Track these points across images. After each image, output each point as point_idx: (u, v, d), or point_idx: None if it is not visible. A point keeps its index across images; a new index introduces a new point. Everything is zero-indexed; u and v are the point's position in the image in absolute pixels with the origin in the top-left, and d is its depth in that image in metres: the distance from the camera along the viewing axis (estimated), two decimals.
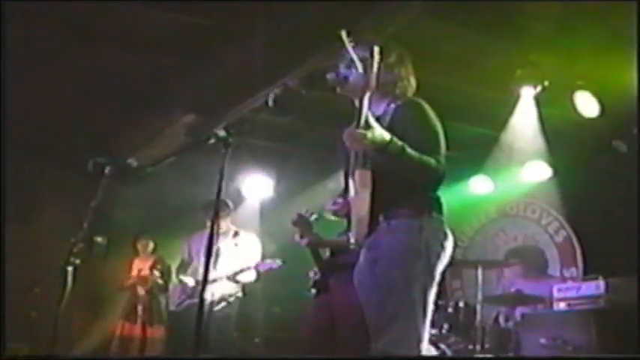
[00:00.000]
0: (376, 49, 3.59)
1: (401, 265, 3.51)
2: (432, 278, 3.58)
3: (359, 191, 3.66)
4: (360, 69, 3.62)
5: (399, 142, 3.49)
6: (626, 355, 5.36)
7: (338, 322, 4.81)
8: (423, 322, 3.48)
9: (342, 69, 3.83)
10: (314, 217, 5.21)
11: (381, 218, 3.62)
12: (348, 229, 4.18)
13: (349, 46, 3.60)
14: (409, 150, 3.49)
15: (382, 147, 3.46)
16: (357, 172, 3.67)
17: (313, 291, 5.19)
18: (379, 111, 3.83)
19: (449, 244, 3.69)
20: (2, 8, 5.97)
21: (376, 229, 3.62)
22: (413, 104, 3.78)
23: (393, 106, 3.81)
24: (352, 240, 3.75)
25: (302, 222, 5.18)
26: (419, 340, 3.44)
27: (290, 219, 5.30)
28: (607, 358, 5.66)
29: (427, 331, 3.51)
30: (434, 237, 3.61)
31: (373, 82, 3.58)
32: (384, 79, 3.79)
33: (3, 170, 8.06)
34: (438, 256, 3.61)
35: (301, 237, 5.15)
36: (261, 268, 7.36)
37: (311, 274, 5.37)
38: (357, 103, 3.55)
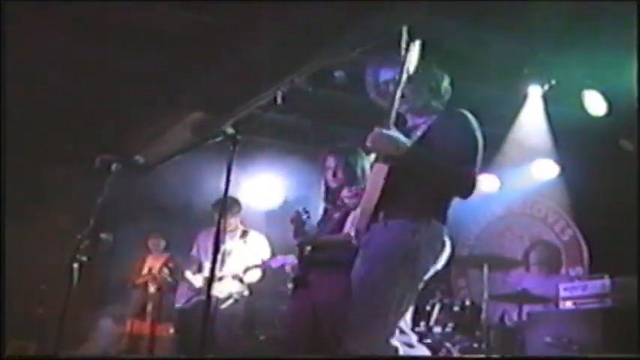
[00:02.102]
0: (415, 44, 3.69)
1: (386, 265, 3.54)
2: (415, 283, 3.61)
3: (370, 185, 3.70)
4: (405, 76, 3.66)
5: (422, 151, 3.56)
6: (629, 355, 5.36)
7: (322, 317, 4.85)
8: (395, 322, 3.51)
9: (383, 73, 3.86)
10: (305, 215, 5.25)
11: (381, 215, 3.65)
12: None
13: (404, 51, 3.64)
14: (432, 159, 3.56)
15: (403, 154, 3.52)
16: (375, 166, 3.71)
17: (290, 286, 5.22)
18: (418, 120, 3.87)
19: (443, 254, 3.70)
20: (2, 8, 5.98)
21: (374, 226, 3.66)
22: (456, 114, 3.81)
23: (434, 116, 3.84)
24: (352, 232, 3.78)
25: (297, 220, 5.21)
26: (387, 338, 3.46)
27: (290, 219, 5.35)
28: (611, 358, 5.66)
29: (395, 333, 3.53)
30: (427, 243, 3.60)
31: (404, 77, 3.65)
32: (427, 90, 3.86)
33: (3, 169, 8.08)
34: (427, 263, 3.63)
35: (295, 235, 5.18)
36: (274, 265, 7.33)
37: (287, 267, 5.43)
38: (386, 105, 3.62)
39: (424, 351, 3.82)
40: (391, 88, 3.75)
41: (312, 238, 5.27)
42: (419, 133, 3.76)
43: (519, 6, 6.04)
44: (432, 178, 3.63)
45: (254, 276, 7.58)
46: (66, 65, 7.58)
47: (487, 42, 6.74)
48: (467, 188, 3.61)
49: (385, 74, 3.87)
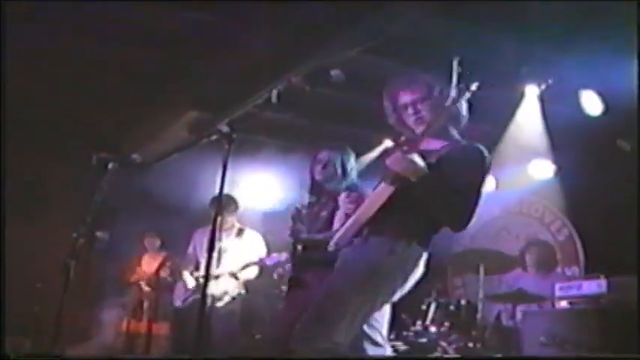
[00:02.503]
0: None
1: (350, 278, 3.57)
2: (377, 299, 3.60)
3: (369, 202, 3.71)
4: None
5: (435, 181, 3.55)
6: (627, 355, 5.37)
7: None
8: (347, 331, 3.47)
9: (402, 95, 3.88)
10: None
11: (365, 231, 3.67)
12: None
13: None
14: (441, 190, 3.55)
15: (417, 181, 3.53)
16: (380, 185, 3.69)
17: (284, 287, 5.24)
18: (435, 144, 3.85)
19: (413, 276, 3.68)
20: (2, 8, 5.98)
21: (356, 241, 3.69)
22: (475, 150, 3.81)
23: (450, 144, 3.84)
24: (333, 242, 3.77)
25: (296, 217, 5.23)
26: (333, 345, 3.44)
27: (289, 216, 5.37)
28: (607, 358, 5.66)
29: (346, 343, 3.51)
30: (400, 264, 3.61)
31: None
32: (451, 116, 3.87)
33: (3, 169, 8.08)
34: (395, 283, 3.63)
35: (291, 233, 5.21)
36: (268, 263, 7.32)
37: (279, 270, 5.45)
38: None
39: (387, 349, 3.85)
40: (410, 110, 3.81)
41: (304, 238, 5.29)
42: (433, 159, 3.72)
43: (517, 5, 6.05)
44: (434, 206, 3.62)
45: (251, 273, 7.57)
46: (64, 64, 7.59)
47: (484, 41, 6.74)
48: (462, 224, 3.62)
49: (404, 97, 3.88)
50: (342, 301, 3.49)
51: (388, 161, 3.60)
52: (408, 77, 3.94)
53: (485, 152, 3.81)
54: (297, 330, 3.50)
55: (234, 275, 7.45)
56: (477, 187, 3.69)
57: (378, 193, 3.69)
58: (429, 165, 3.62)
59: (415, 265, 3.67)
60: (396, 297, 3.70)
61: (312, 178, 5.43)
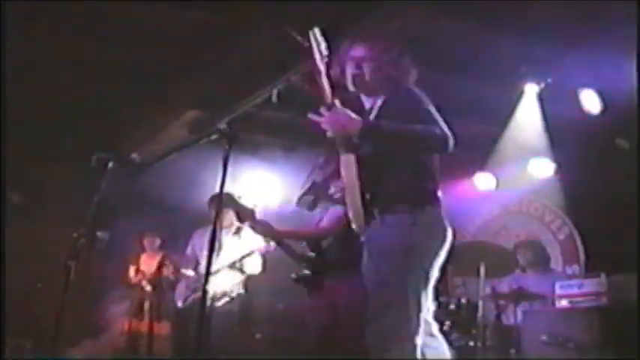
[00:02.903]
0: (315, 32, 3.71)
1: (391, 262, 3.50)
2: (427, 274, 3.56)
3: (345, 179, 3.66)
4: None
5: (372, 123, 3.56)
6: (626, 355, 5.38)
7: (344, 320, 4.86)
8: (417, 316, 3.46)
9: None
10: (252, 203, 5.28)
11: (375, 212, 3.60)
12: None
13: (296, 37, 3.70)
14: (392, 127, 3.50)
15: (354, 130, 3.49)
16: (341, 159, 3.66)
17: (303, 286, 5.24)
18: (370, 104, 3.85)
19: (446, 238, 3.65)
20: (2, 8, 5.98)
21: (372, 223, 3.61)
22: (404, 90, 3.75)
23: (380, 100, 3.80)
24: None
25: (237, 207, 5.22)
26: (411, 333, 3.42)
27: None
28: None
29: (422, 326, 3.48)
30: (427, 232, 3.56)
31: (320, 65, 3.66)
32: (381, 73, 3.83)
33: (3, 169, 8.07)
34: (433, 251, 3.59)
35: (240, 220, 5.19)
36: (258, 252, 7.29)
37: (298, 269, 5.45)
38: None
39: (442, 341, 3.78)
40: (352, 66, 3.82)
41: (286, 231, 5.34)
42: (373, 113, 3.74)
43: (516, 4, 6.05)
44: (399, 144, 3.58)
45: (255, 268, 7.54)
46: (64, 64, 7.59)
47: (484, 40, 6.74)
48: (443, 143, 3.52)
49: (354, 52, 3.89)
50: (398, 285, 3.46)
51: (324, 124, 3.57)
52: (369, 35, 3.93)
53: (414, 88, 3.75)
54: (371, 330, 3.47)
55: (238, 269, 7.43)
56: (429, 114, 3.60)
57: (345, 169, 3.64)
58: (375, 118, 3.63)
59: (443, 228, 3.64)
60: (438, 267, 3.64)
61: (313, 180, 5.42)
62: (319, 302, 5.17)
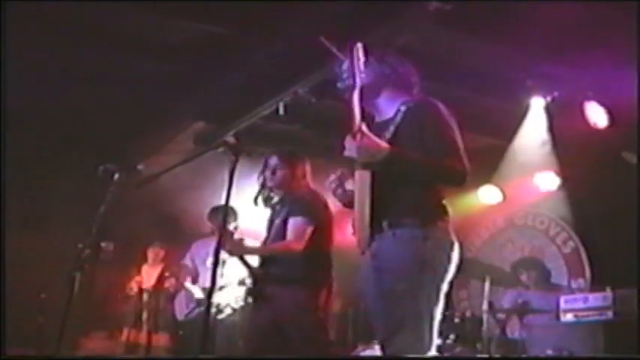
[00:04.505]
0: (357, 47, 3.61)
1: (406, 277, 3.45)
2: (438, 289, 3.51)
3: (358, 194, 3.62)
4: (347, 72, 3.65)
5: (402, 153, 3.48)
6: (626, 355, 5.37)
7: (288, 327, 4.95)
8: (430, 332, 3.42)
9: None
10: (233, 225, 5.30)
11: (384, 225, 3.55)
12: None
13: (332, 48, 3.63)
14: (414, 158, 3.48)
15: (379, 157, 3.44)
16: (357, 174, 3.62)
17: (249, 299, 5.30)
18: (389, 114, 3.79)
19: (455, 253, 3.60)
20: (2, 8, 5.99)
21: (380, 237, 3.56)
22: (427, 104, 3.70)
23: (403, 108, 3.73)
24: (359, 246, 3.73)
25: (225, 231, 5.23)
26: (425, 351, 3.39)
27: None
28: (607, 358, 5.66)
29: (434, 342, 3.46)
30: (438, 247, 3.52)
31: (357, 81, 3.59)
32: (392, 81, 3.82)
33: (3, 174, 8.08)
34: (444, 266, 3.54)
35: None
36: None
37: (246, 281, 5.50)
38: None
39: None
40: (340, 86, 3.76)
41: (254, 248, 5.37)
42: (391, 128, 3.68)
43: (522, 18, 6.05)
44: (418, 174, 3.55)
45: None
46: (72, 74, 7.60)
47: (490, 53, 6.75)
48: (459, 179, 3.53)
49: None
50: (412, 302, 3.43)
51: (345, 152, 3.53)
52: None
53: (435, 101, 3.69)
54: (388, 344, 3.46)
55: (243, 283, 7.45)
56: (447, 137, 3.57)
57: (359, 183, 3.60)
58: (391, 139, 3.58)
59: (451, 243, 3.60)
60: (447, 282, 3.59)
61: (262, 185, 5.53)
62: (260, 312, 5.22)
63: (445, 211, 3.64)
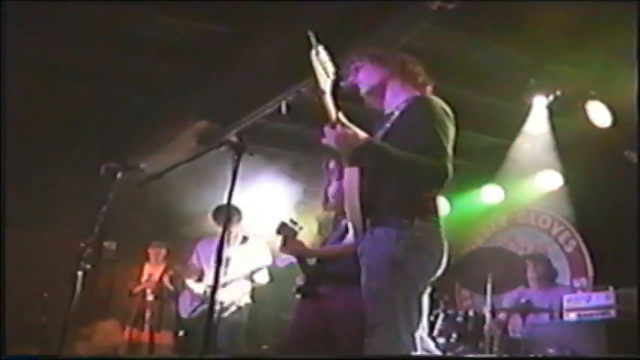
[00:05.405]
0: (318, 52, 3.69)
1: (379, 276, 3.46)
2: (414, 287, 3.49)
3: (347, 190, 3.66)
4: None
5: (377, 144, 3.51)
6: (626, 355, 5.36)
7: (337, 330, 4.79)
8: (408, 330, 3.41)
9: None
10: (298, 226, 5.22)
11: (367, 224, 3.57)
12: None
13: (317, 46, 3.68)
14: (390, 151, 3.47)
15: (356, 148, 3.47)
16: (346, 171, 3.67)
17: (298, 296, 5.19)
18: (393, 106, 3.81)
19: (438, 252, 3.57)
20: (3, 8, 6.00)
21: (365, 235, 3.59)
22: (420, 100, 3.71)
23: (404, 104, 3.74)
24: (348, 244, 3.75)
25: (286, 230, 5.16)
26: (406, 350, 3.38)
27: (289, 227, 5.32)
28: (607, 358, 5.65)
29: (417, 342, 3.45)
30: (416, 246, 3.47)
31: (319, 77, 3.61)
32: (396, 75, 3.85)
33: (3, 174, 8.08)
34: (422, 266, 3.51)
35: (284, 245, 5.12)
36: (280, 264, 7.25)
37: (298, 280, 5.38)
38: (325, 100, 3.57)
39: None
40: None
41: (306, 250, 5.26)
42: (389, 122, 3.71)
43: (525, 17, 6.05)
44: (399, 171, 3.53)
45: (262, 279, 7.57)
46: (74, 73, 7.61)
47: (493, 52, 6.75)
48: (436, 178, 3.49)
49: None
50: (386, 301, 3.41)
51: (324, 141, 3.57)
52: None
53: (434, 99, 3.72)
54: (365, 344, 3.44)
55: (248, 277, 7.45)
56: (435, 136, 3.52)
57: (348, 180, 3.64)
58: (385, 131, 3.61)
59: (434, 239, 3.57)
60: (434, 278, 3.59)
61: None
62: (308, 311, 5.13)
63: (428, 210, 3.59)
